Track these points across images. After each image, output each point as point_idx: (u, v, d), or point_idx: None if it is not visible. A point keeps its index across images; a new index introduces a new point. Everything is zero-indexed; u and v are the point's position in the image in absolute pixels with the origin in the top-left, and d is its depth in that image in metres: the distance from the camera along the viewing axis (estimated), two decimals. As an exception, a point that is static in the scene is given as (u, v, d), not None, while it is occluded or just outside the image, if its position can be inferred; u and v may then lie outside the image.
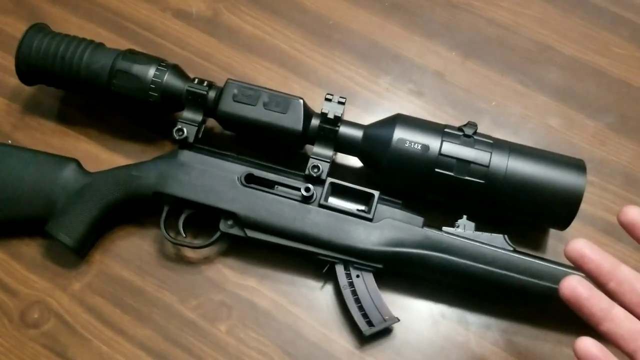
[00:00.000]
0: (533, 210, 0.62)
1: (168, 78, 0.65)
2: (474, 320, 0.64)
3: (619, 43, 0.80)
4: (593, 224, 0.69)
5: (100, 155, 0.71)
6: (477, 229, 0.62)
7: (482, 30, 0.80)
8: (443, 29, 0.80)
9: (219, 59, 0.77)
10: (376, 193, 0.62)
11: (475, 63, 0.78)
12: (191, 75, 0.67)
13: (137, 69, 0.65)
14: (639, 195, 0.71)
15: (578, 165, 0.62)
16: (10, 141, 0.70)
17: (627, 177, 0.72)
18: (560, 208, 0.61)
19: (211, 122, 0.68)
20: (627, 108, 0.76)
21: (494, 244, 0.61)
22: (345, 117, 0.64)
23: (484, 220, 0.62)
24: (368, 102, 0.75)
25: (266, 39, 0.79)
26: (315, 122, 0.64)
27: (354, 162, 0.70)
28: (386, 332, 0.62)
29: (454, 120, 0.72)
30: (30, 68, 0.66)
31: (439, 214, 0.63)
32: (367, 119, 0.66)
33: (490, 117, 0.74)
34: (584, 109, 0.76)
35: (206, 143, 0.66)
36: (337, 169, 0.69)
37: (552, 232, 0.68)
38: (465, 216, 0.62)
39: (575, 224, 0.63)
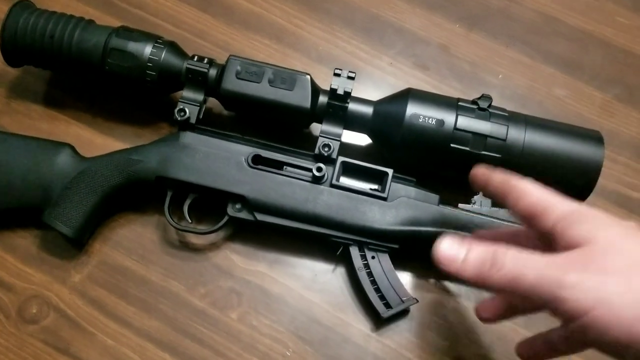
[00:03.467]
0: (551, 183, 0.60)
1: (166, 56, 0.61)
2: (491, 299, 0.62)
3: (623, 13, 0.79)
4: (606, 196, 0.68)
5: (93, 139, 0.67)
6: (494, 205, 0.60)
7: (484, 1, 0.78)
8: (445, 1, 0.78)
9: (215, 37, 0.73)
10: (390, 171, 0.60)
11: (480, 35, 0.76)
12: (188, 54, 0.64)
13: (132, 46, 0.61)
14: (650, 165, 0.70)
15: (595, 137, 0.60)
16: (-5, 128, 0.66)
17: (637, 148, 0.71)
18: (578, 180, 0.60)
19: (209, 103, 0.65)
20: (634, 79, 0.75)
21: (512, 220, 0.59)
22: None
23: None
24: (372, 78, 0.73)
25: (263, 14, 0.75)
26: (323, 98, 0.61)
27: (359, 140, 0.68)
28: (403, 313, 0.61)
29: (461, 94, 0.69)
30: (16, 48, 0.62)
31: (453, 191, 0.61)
32: (372, 95, 0.63)
33: (497, 90, 0.72)
34: (591, 81, 0.74)
35: (207, 125, 0.62)
36: (342, 148, 0.66)
37: (566, 206, 0.66)
38: (481, 192, 0.61)
39: (589, 197, 0.61)
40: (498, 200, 0.49)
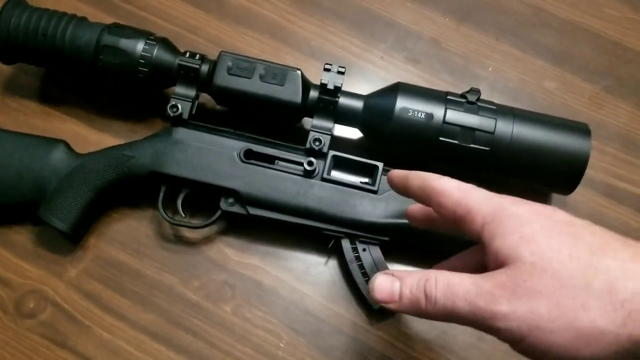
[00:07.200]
0: (539, 176, 0.61)
1: (158, 52, 0.62)
2: (481, 289, 0.63)
3: (612, 4, 0.79)
4: (594, 187, 0.68)
5: (88, 135, 0.68)
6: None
7: (474, -7, 0.79)
8: (436, -6, 0.78)
9: (207, 32, 0.74)
10: (380, 164, 0.61)
11: (470, 28, 0.76)
12: (180, 50, 0.65)
13: (124, 43, 0.61)
14: (638, 157, 0.71)
15: (582, 129, 0.61)
16: (-11, 124, 0.67)
17: (625, 139, 0.72)
18: (566, 172, 0.60)
19: (202, 98, 0.65)
20: (623, 70, 0.75)
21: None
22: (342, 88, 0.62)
23: (489, 187, 0.61)
24: (363, 72, 0.73)
25: (254, 9, 0.76)
26: (314, 93, 0.62)
27: (352, 133, 0.68)
28: (395, 304, 0.61)
29: (452, 87, 0.71)
30: (9, 45, 0.62)
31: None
32: (364, 89, 0.64)
33: (488, 83, 0.73)
34: (580, 72, 0.75)
35: (199, 119, 0.63)
36: (334, 142, 0.67)
37: (555, 197, 0.67)
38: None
39: (577, 188, 0.62)
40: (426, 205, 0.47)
